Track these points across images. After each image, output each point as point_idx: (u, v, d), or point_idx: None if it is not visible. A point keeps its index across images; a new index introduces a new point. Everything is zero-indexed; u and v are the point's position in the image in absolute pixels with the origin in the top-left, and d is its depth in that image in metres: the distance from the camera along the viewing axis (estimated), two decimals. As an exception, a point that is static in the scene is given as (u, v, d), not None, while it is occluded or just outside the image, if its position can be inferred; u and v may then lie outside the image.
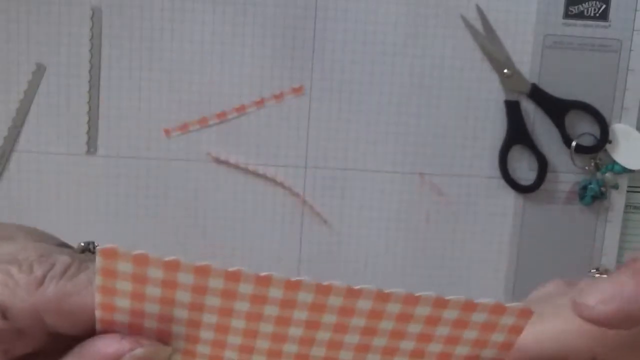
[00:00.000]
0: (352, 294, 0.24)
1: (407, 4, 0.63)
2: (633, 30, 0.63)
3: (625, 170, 0.65)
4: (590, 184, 0.64)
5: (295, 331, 0.25)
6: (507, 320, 0.26)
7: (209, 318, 0.25)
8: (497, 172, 0.65)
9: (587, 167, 0.65)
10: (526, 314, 0.26)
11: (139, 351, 0.25)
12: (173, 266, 0.24)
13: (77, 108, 0.63)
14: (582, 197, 0.65)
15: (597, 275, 0.37)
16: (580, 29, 0.63)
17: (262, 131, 0.64)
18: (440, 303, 0.25)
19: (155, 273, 0.24)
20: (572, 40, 0.63)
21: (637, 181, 0.66)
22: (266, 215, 0.65)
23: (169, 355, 0.26)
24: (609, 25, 0.63)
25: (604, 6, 0.63)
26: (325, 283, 0.24)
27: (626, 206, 0.66)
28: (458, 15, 0.63)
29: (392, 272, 0.66)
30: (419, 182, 0.65)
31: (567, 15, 0.63)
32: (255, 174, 0.65)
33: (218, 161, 0.64)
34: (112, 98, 0.63)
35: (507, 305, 0.25)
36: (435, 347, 0.26)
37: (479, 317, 0.25)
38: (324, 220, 0.66)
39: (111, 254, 0.24)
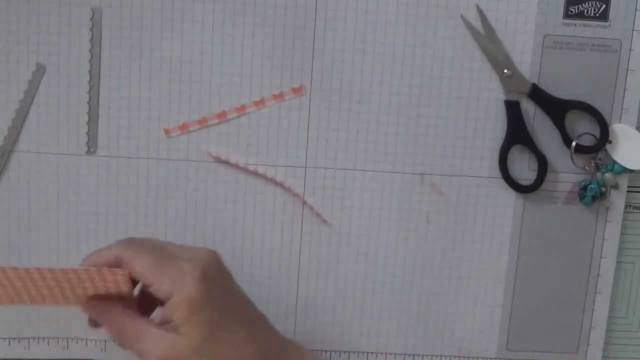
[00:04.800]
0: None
1: (407, 4, 0.63)
2: (633, 30, 0.63)
3: (625, 170, 0.65)
4: (590, 184, 0.64)
5: None
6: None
7: None
8: (497, 172, 0.65)
9: (587, 167, 0.65)
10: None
11: None
12: None
13: (77, 108, 0.63)
14: (582, 197, 0.65)
15: None
16: (580, 29, 0.63)
17: (262, 131, 0.64)
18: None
19: None
20: (572, 40, 0.63)
21: (637, 181, 0.66)
22: (266, 215, 0.65)
23: None
24: (609, 25, 0.63)
25: (604, 6, 0.63)
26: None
27: (626, 206, 0.66)
28: (458, 15, 0.63)
29: (392, 272, 0.66)
30: (419, 182, 0.65)
31: (567, 15, 0.63)
32: (255, 174, 0.65)
33: (218, 161, 0.64)
34: (112, 98, 0.63)
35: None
36: None
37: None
38: (324, 220, 0.66)
39: None
